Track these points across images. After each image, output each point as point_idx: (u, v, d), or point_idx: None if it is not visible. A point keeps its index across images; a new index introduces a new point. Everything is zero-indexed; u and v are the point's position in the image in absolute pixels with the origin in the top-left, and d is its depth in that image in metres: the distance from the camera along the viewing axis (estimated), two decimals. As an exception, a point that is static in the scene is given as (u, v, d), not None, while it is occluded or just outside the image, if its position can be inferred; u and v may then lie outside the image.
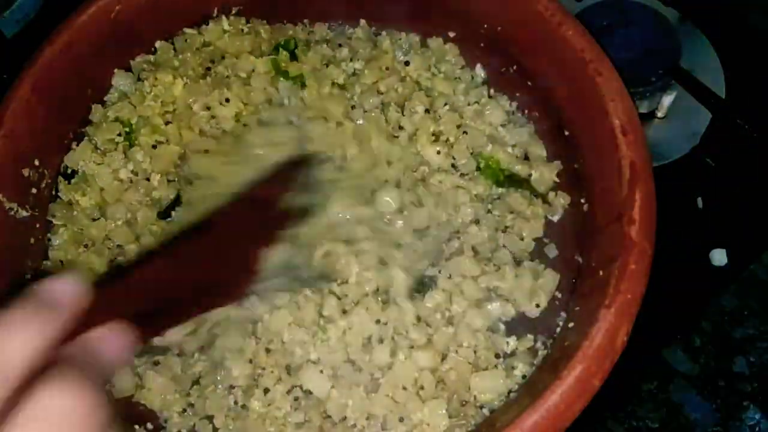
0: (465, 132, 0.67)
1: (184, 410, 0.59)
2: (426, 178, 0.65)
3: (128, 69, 0.70)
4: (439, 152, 0.66)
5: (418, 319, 0.60)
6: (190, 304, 0.45)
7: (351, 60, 0.71)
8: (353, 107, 0.68)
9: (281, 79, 0.70)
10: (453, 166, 0.67)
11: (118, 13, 0.66)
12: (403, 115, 0.68)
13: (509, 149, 0.67)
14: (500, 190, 0.66)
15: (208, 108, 0.68)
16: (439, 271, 0.62)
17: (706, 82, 0.77)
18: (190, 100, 0.68)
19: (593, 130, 0.60)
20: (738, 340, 0.69)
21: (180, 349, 0.59)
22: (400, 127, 0.68)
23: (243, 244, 0.52)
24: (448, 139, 0.67)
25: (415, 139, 0.67)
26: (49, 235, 0.64)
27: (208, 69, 0.70)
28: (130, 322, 0.34)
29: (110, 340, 0.33)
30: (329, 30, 0.74)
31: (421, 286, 0.61)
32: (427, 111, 0.68)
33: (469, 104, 0.69)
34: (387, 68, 0.70)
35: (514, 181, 0.66)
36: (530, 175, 0.66)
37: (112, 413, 0.30)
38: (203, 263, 0.47)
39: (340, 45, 0.72)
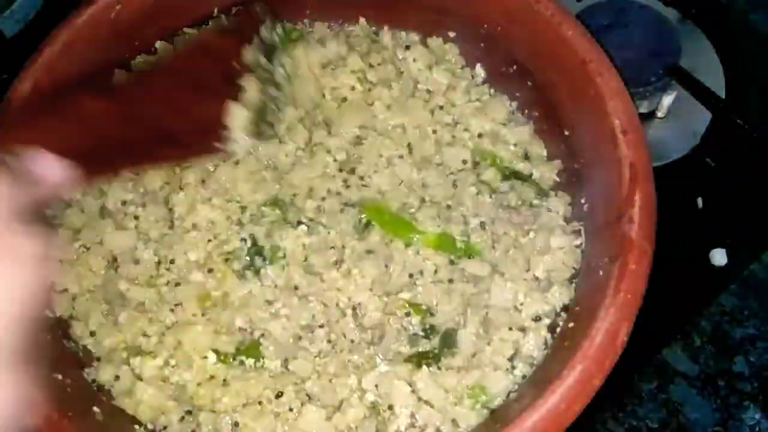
0: (466, 129, 0.67)
1: (183, 417, 0.58)
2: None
3: (128, 69, 0.70)
4: (441, 151, 0.66)
5: None
6: (148, 149, 0.42)
7: (352, 59, 0.71)
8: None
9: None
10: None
11: (118, 13, 0.66)
12: (406, 115, 0.68)
13: (511, 147, 0.67)
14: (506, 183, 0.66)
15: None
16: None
17: (706, 82, 0.77)
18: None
19: (593, 130, 0.60)
20: (738, 340, 0.69)
21: None
22: (404, 128, 0.68)
23: (205, 94, 0.49)
24: (453, 136, 0.67)
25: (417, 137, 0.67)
26: (49, 235, 0.64)
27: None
28: (73, 158, 0.32)
29: (44, 162, 0.31)
30: (329, 29, 0.74)
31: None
32: (428, 110, 0.68)
33: (470, 101, 0.69)
34: (388, 67, 0.70)
35: (517, 177, 0.66)
36: (531, 174, 0.66)
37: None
38: (160, 107, 0.44)
39: (340, 44, 0.72)
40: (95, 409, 0.56)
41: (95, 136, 0.37)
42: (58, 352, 0.59)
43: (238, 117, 0.50)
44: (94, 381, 0.59)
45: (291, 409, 0.57)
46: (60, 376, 0.56)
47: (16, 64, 0.63)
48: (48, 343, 0.59)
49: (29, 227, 0.28)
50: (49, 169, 0.32)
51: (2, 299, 0.27)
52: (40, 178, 0.31)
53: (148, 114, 0.43)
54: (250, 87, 0.51)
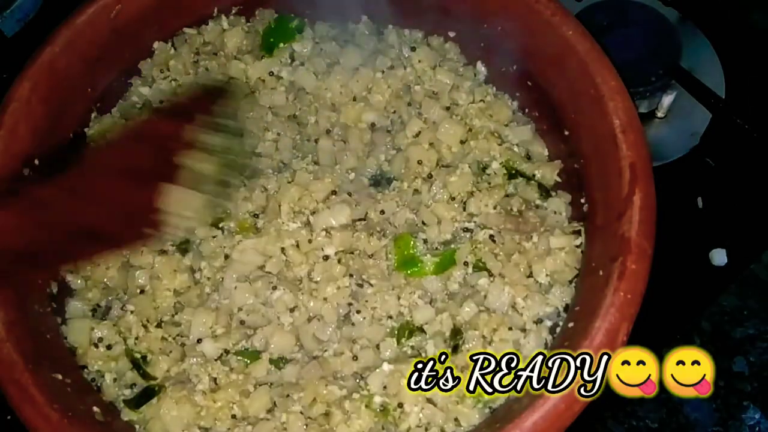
0: (470, 129, 0.67)
1: None
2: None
3: (128, 68, 0.70)
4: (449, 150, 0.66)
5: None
6: (72, 248, 0.42)
7: (355, 58, 0.71)
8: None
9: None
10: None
11: (118, 13, 0.66)
12: (411, 114, 0.68)
13: (515, 148, 0.67)
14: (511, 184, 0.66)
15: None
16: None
17: (706, 82, 0.77)
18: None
19: (593, 130, 0.60)
20: (738, 340, 0.69)
21: None
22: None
23: (135, 181, 0.46)
24: (466, 136, 0.67)
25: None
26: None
27: (208, 69, 0.70)
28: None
29: None
30: (330, 28, 0.74)
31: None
32: (433, 109, 0.68)
33: (474, 101, 0.69)
34: (392, 66, 0.70)
35: (522, 176, 0.66)
36: (534, 175, 0.66)
37: None
38: (83, 204, 0.42)
39: (343, 42, 0.72)
40: (95, 409, 0.56)
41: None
42: (59, 351, 0.59)
43: (178, 198, 0.47)
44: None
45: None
46: (60, 376, 0.56)
47: (16, 64, 0.63)
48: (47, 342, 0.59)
49: None
50: None
51: None
52: None
53: (71, 214, 0.42)
54: (195, 161, 0.49)
